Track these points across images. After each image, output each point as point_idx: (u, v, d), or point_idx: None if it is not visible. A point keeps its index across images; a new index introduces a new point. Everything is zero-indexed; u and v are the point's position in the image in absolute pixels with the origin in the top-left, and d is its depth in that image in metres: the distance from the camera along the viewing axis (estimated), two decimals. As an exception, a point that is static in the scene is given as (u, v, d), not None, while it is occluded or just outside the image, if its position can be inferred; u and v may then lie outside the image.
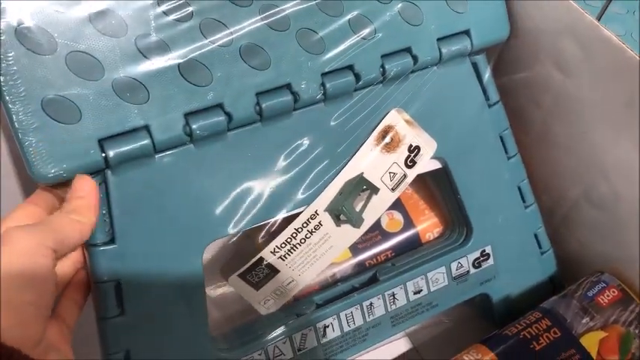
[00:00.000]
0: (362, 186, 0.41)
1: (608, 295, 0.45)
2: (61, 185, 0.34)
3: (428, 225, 0.49)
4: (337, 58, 0.39)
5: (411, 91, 0.42)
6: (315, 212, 0.40)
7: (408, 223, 0.49)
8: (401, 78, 0.42)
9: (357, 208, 0.41)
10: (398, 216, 0.49)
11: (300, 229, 0.40)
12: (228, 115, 0.36)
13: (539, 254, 0.50)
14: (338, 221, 0.41)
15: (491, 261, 0.48)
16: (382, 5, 0.40)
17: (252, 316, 0.43)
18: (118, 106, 0.34)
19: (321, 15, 0.39)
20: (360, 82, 0.40)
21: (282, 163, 0.39)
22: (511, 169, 0.47)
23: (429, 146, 0.42)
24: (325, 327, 0.43)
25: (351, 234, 0.42)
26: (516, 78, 0.49)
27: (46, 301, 0.30)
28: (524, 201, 0.48)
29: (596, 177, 0.46)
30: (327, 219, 0.41)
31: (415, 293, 0.46)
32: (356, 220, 0.41)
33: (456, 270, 0.47)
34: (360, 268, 0.47)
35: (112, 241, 0.35)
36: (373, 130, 0.41)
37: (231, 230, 0.38)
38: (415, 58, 0.41)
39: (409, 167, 0.42)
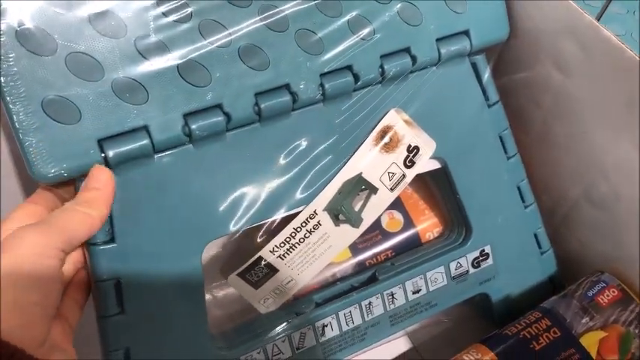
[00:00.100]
0: (361, 186, 0.41)
1: (608, 295, 0.45)
2: (61, 185, 0.35)
3: (428, 225, 0.49)
4: (336, 58, 0.39)
5: (410, 91, 0.42)
6: (314, 212, 0.40)
7: (408, 223, 0.49)
8: (400, 78, 0.42)
9: (356, 208, 0.41)
10: (398, 216, 0.49)
11: (298, 229, 0.40)
12: (227, 115, 0.36)
13: (539, 254, 0.50)
14: (337, 221, 0.41)
15: (490, 261, 0.48)
16: (381, 6, 0.41)
17: (252, 315, 0.43)
18: (118, 107, 0.34)
19: (320, 16, 0.39)
20: (359, 83, 0.40)
21: (281, 163, 0.39)
22: (511, 169, 0.47)
23: (428, 146, 0.42)
24: (324, 326, 0.43)
25: (350, 234, 0.42)
26: (516, 78, 0.49)
27: (52, 301, 0.30)
28: (523, 201, 0.48)
29: (596, 177, 0.46)
30: (325, 219, 0.41)
31: (414, 293, 0.46)
32: (355, 220, 0.41)
33: (455, 270, 0.47)
34: (360, 267, 0.47)
35: (111, 240, 0.35)
36: (372, 130, 0.41)
37: (230, 229, 0.39)
38: (414, 59, 0.41)
39: (408, 167, 0.42)
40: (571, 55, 0.44)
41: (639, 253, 0.44)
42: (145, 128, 0.35)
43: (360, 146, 0.41)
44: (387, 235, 0.48)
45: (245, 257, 0.41)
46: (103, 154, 0.34)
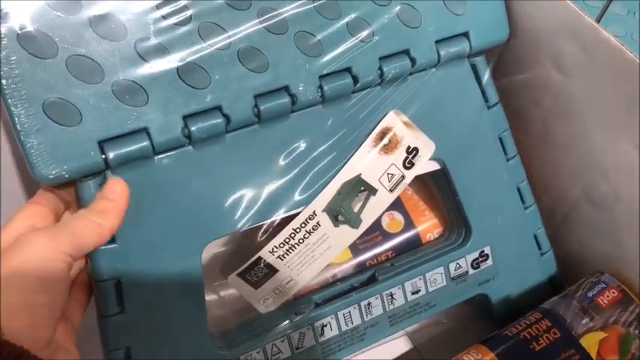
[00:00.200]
0: (360, 187, 0.41)
1: (607, 296, 0.45)
2: (62, 185, 0.35)
3: (428, 225, 0.49)
4: (335, 60, 0.39)
5: (409, 92, 0.42)
6: (313, 213, 0.41)
7: (409, 224, 0.49)
8: (399, 80, 0.42)
9: (355, 209, 0.42)
10: (398, 216, 0.49)
11: (298, 230, 0.41)
12: (227, 117, 0.37)
13: (539, 255, 0.50)
14: (336, 222, 0.41)
15: (490, 262, 0.48)
16: (380, 8, 0.41)
17: (251, 315, 0.43)
18: (118, 109, 0.34)
19: (318, 18, 0.39)
20: (358, 84, 0.40)
21: (280, 164, 0.40)
22: (510, 170, 0.47)
23: (427, 148, 0.43)
24: (323, 326, 0.44)
25: (349, 234, 0.42)
26: (516, 78, 0.49)
27: (58, 304, 0.31)
28: (523, 202, 0.48)
29: (596, 177, 0.46)
30: (325, 219, 0.41)
31: (413, 293, 0.46)
32: (354, 221, 0.42)
33: (455, 270, 0.47)
34: (361, 268, 0.47)
35: (112, 240, 0.36)
36: (371, 131, 0.41)
37: (229, 230, 0.39)
38: (413, 61, 0.41)
39: (407, 168, 0.42)
40: (571, 56, 0.44)
41: (639, 254, 0.44)
42: (145, 130, 0.35)
43: (359, 147, 0.41)
44: (387, 236, 0.48)
45: (245, 257, 0.41)
46: (103, 156, 0.34)
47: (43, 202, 0.35)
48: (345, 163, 0.41)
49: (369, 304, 0.45)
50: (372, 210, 0.42)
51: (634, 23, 0.71)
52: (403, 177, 0.42)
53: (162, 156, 0.36)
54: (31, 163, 0.33)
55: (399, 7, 0.41)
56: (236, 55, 0.37)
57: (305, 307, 0.43)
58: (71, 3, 0.34)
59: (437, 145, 0.43)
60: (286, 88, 0.38)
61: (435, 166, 0.45)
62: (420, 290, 0.46)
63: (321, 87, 0.39)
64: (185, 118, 0.36)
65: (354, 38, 0.40)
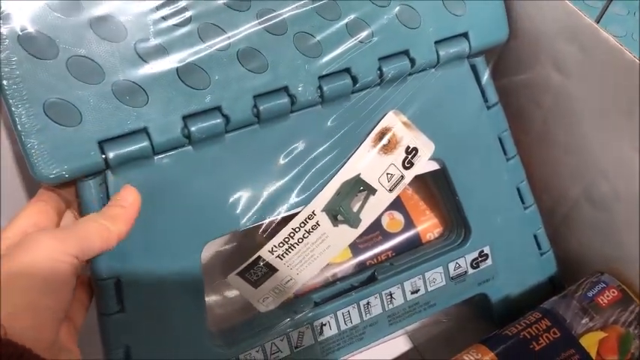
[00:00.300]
0: (359, 187, 0.41)
1: (607, 296, 0.45)
2: (63, 185, 0.35)
3: (428, 225, 0.49)
4: (334, 61, 0.39)
5: (408, 93, 0.42)
6: (313, 212, 0.41)
7: (409, 224, 0.49)
8: (398, 80, 0.42)
9: (355, 209, 0.42)
10: (398, 216, 0.49)
11: (297, 229, 0.41)
12: (226, 117, 0.37)
13: (539, 255, 0.50)
14: (335, 221, 0.42)
15: (489, 261, 0.48)
16: (379, 8, 0.41)
17: (251, 314, 0.43)
18: (118, 109, 0.34)
19: (318, 19, 0.39)
20: (358, 85, 0.40)
21: (279, 164, 0.40)
22: (510, 170, 0.47)
23: (426, 148, 0.43)
24: (322, 325, 0.44)
25: (348, 234, 0.42)
26: (516, 79, 0.49)
27: (63, 305, 0.31)
28: (523, 202, 0.48)
29: (596, 177, 0.46)
30: (324, 219, 0.41)
31: (413, 293, 0.46)
32: (353, 221, 0.42)
33: (454, 270, 0.47)
34: (361, 268, 0.47)
35: (112, 240, 0.36)
36: (371, 131, 0.42)
37: (229, 230, 0.39)
38: (413, 61, 0.41)
39: (406, 169, 0.42)
40: (570, 56, 0.44)
41: (639, 253, 0.44)
42: (145, 130, 0.35)
43: (358, 147, 0.41)
44: (387, 236, 0.48)
45: (245, 256, 0.41)
46: (103, 156, 0.34)
47: (46, 200, 0.35)
48: (344, 163, 0.41)
49: (368, 303, 0.45)
50: (372, 210, 0.42)
51: (634, 23, 0.70)
52: (402, 177, 0.42)
53: (162, 156, 0.37)
54: (31, 163, 0.33)
55: (398, 8, 0.41)
56: (235, 55, 0.37)
57: (304, 306, 0.43)
58: (71, 4, 0.34)
59: (436, 145, 0.43)
60: (285, 89, 0.38)
61: (434, 166, 0.45)
62: (419, 290, 0.46)
63: (320, 87, 0.39)
64: (185, 118, 0.36)
65: (353, 39, 0.40)
